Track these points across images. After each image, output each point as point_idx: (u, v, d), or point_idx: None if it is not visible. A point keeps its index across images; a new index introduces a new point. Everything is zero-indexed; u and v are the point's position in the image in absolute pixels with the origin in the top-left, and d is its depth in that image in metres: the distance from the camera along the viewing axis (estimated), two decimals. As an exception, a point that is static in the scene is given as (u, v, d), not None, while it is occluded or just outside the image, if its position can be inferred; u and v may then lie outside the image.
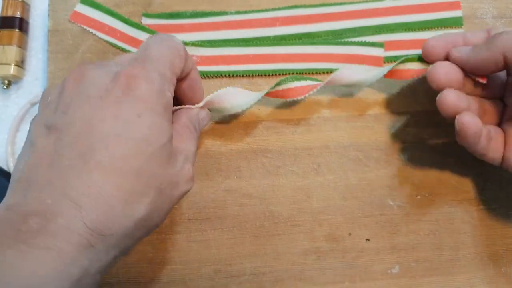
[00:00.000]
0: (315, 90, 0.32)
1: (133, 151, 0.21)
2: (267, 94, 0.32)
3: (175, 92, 0.27)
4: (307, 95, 0.32)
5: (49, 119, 0.22)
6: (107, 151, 0.21)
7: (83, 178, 0.20)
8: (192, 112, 0.29)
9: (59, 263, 0.19)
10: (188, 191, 0.25)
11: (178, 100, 0.29)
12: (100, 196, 0.20)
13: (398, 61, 0.32)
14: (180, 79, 0.27)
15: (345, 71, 0.32)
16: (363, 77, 0.32)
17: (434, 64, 0.30)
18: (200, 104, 0.29)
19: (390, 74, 0.32)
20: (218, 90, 0.30)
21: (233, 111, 0.32)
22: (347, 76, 0.32)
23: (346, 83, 0.32)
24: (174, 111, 0.28)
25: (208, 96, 0.30)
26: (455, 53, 0.29)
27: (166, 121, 0.23)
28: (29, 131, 0.23)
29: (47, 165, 0.21)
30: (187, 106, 0.29)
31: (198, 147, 0.28)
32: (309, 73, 0.35)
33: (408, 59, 0.32)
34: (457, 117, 0.28)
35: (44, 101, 0.24)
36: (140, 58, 0.23)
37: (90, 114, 0.21)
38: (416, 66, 0.32)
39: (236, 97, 0.31)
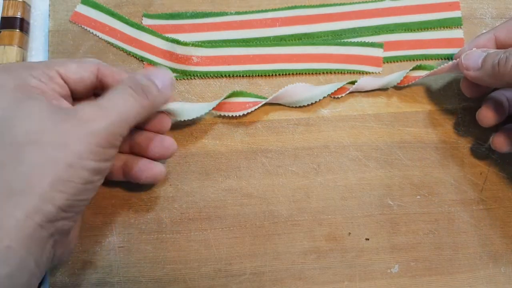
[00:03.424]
0: (345, 93, 0.35)
1: None
2: (334, 93, 0.35)
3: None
4: (341, 95, 0.35)
5: None
6: None
7: None
8: (133, 73, 0.28)
9: None
10: (98, 130, 0.24)
11: None
12: None
13: (409, 70, 0.34)
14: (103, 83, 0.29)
15: (363, 81, 0.34)
16: (380, 83, 0.35)
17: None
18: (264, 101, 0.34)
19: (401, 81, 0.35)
20: (286, 87, 0.33)
21: (295, 105, 0.34)
22: (367, 84, 0.35)
23: (366, 89, 0.35)
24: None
25: (277, 92, 0.33)
26: (465, 71, 0.31)
27: (22, 91, 0.24)
28: None
29: None
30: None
31: (146, 106, 0.27)
32: (309, 74, 0.36)
33: (415, 68, 0.34)
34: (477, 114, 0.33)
35: None
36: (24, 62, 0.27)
37: None
38: (419, 73, 0.35)
39: (300, 93, 0.34)
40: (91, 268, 0.32)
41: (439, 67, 0.33)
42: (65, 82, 0.27)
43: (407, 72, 0.34)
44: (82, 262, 0.32)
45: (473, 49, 0.31)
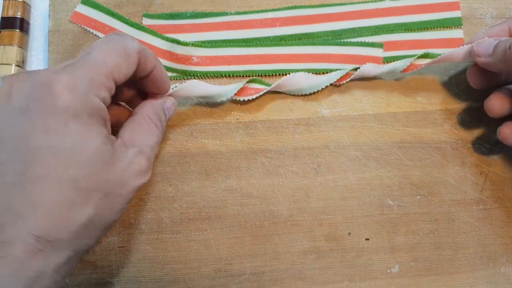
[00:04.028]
0: (348, 79, 0.35)
1: (67, 160, 0.22)
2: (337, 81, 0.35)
3: (142, 86, 0.28)
4: (344, 82, 0.35)
5: None
6: (42, 164, 0.22)
7: (24, 192, 0.22)
8: (157, 102, 0.29)
9: (12, 268, 0.21)
10: (144, 183, 0.26)
11: (145, 93, 0.30)
12: (41, 207, 0.22)
13: (414, 58, 0.34)
14: (143, 77, 0.27)
15: (367, 67, 0.34)
16: (383, 70, 0.34)
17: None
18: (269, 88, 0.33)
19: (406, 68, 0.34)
20: (289, 75, 0.34)
21: (298, 93, 0.35)
22: (370, 70, 0.34)
23: (370, 75, 0.35)
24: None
25: (279, 80, 0.33)
26: (477, 58, 0.31)
27: (94, 125, 0.23)
28: None
29: None
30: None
31: (162, 137, 0.29)
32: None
33: (421, 56, 0.34)
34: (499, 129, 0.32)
35: None
36: (74, 63, 0.24)
37: (20, 129, 0.22)
38: (424, 61, 0.34)
39: (303, 81, 0.34)
40: (91, 268, 0.32)
41: (444, 54, 0.32)
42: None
43: (412, 61, 0.34)
44: (82, 262, 0.32)
45: (485, 38, 0.31)
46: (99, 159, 0.23)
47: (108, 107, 0.28)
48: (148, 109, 0.28)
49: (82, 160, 0.23)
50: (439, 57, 0.33)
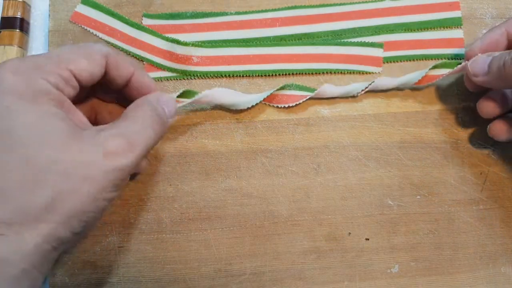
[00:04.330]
0: (365, 91, 0.35)
1: (13, 140, 0.22)
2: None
3: (129, 96, 0.28)
4: (362, 92, 0.35)
5: None
6: None
7: None
8: (150, 97, 0.28)
9: None
10: (123, 166, 0.24)
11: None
12: None
13: (428, 69, 0.34)
14: (123, 85, 0.27)
15: (382, 80, 0.34)
16: (396, 83, 0.35)
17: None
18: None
19: (419, 81, 0.34)
20: (323, 86, 0.34)
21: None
22: (385, 83, 0.35)
23: (383, 88, 0.35)
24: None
25: (319, 89, 0.34)
26: (474, 78, 0.31)
27: (41, 105, 0.23)
28: None
29: None
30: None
31: (156, 127, 0.26)
32: (309, 74, 0.36)
33: (434, 67, 0.34)
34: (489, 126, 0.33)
35: None
36: (30, 55, 0.24)
37: None
38: (436, 72, 0.34)
39: (335, 91, 0.35)
40: (91, 268, 0.32)
41: (456, 67, 0.33)
42: (77, 80, 0.25)
43: (426, 72, 0.34)
44: (82, 262, 0.32)
45: (478, 54, 0.31)
46: (51, 138, 0.22)
47: (96, 104, 0.29)
48: (140, 102, 0.27)
49: (30, 139, 0.22)
50: (453, 69, 0.33)
